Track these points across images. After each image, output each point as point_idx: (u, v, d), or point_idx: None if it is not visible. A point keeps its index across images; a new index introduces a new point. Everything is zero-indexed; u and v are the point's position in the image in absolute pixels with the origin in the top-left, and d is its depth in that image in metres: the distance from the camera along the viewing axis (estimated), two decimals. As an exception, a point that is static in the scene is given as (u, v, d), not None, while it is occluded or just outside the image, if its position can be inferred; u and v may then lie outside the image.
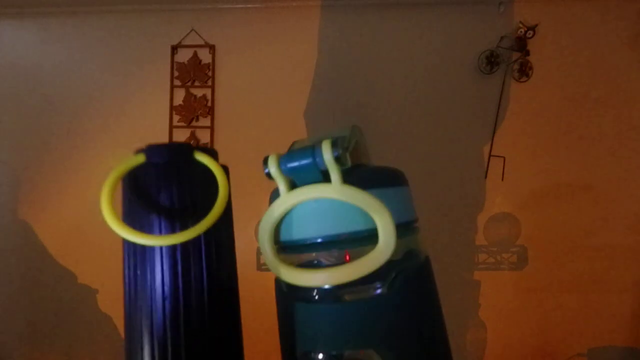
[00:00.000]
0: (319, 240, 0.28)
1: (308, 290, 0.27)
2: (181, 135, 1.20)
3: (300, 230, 0.29)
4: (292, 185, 0.29)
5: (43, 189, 1.23)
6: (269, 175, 0.30)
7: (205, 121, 1.21)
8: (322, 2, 1.19)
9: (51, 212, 1.23)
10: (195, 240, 0.27)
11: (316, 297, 0.28)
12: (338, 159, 0.27)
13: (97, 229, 1.22)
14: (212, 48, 1.20)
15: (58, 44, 1.24)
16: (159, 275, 0.27)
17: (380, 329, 0.26)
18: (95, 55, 1.23)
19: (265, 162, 0.30)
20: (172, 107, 1.21)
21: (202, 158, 0.30)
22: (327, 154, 0.27)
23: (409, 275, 0.27)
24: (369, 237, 0.27)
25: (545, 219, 1.14)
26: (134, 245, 0.27)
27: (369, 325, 0.26)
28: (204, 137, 1.20)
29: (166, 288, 0.27)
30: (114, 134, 1.23)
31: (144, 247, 0.27)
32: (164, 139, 1.20)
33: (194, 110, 1.20)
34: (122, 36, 1.23)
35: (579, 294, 1.13)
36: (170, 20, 1.21)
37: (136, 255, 0.27)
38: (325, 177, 0.28)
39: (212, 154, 0.32)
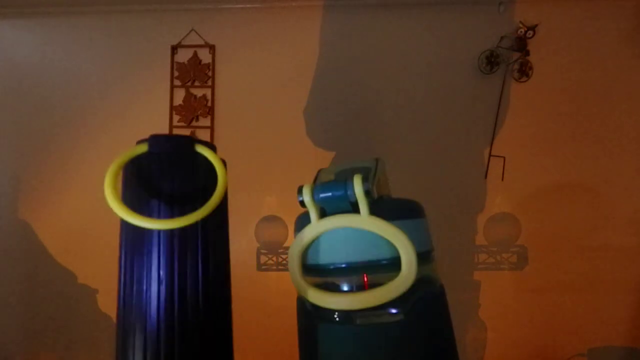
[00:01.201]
0: (344, 265, 0.31)
1: (330, 311, 0.30)
2: (181, 135, 1.20)
3: (328, 255, 0.32)
4: (322, 213, 0.33)
5: (43, 189, 1.23)
6: (302, 203, 0.34)
7: (205, 121, 1.20)
8: (322, 2, 1.19)
9: (51, 212, 1.23)
10: (193, 227, 0.29)
11: (337, 319, 0.30)
12: (367, 193, 0.31)
13: (97, 229, 1.22)
14: (212, 48, 1.20)
15: (58, 44, 1.24)
16: (155, 259, 0.28)
17: (398, 352, 0.28)
18: (95, 55, 1.23)
19: (300, 191, 0.35)
20: (172, 107, 1.21)
21: (202, 150, 0.32)
22: (358, 188, 0.30)
23: (427, 302, 0.30)
24: (390, 265, 0.29)
25: (545, 219, 1.14)
26: (132, 230, 0.28)
27: (387, 349, 0.28)
28: (204, 137, 1.20)
29: (162, 272, 0.28)
30: (114, 133, 1.22)
31: (141, 232, 0.28)
32: (164, 139, 1.20)
33: (194, 110, 1.20)
34: (122, 36, 1.23)
35: (579, 294, 1.13)
36: (170, 20, 1.21)
37: (134, 240, 0.29)
38: (354, 208, 0.31)
39: (212, 147, 0.34)
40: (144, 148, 0.29)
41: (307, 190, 0.33)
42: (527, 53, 1.12)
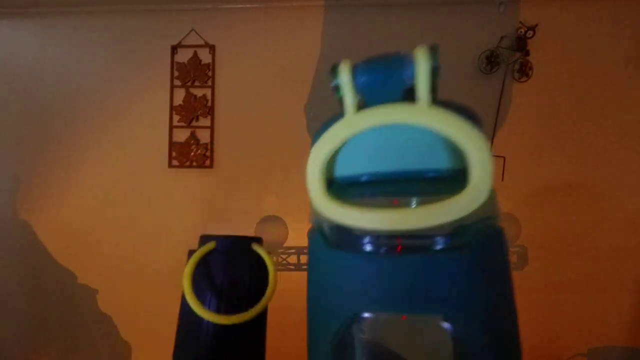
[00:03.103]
0: (384, 176, 0.21)
1: (358, 239, 0.21)
2: (181, 135, 1.20)
3: (364, 164, 0.22)
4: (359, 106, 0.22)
5: (43, 189, 1.23)
6: (336, 88, 0.23)
7: (205, 121, 1.20)
8: (322, 2, 1.19)
9: (51, 212, 1.23)
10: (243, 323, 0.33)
11: (369, 248, 0.21)
12: (435, 71, 0.22)
13: (97, 229, 1.22)
14: (212, 48, 1.20)
15: (58, 44, 1.24)
16: (204, 347, 0.33)
17: (452, 291, 0.20)
18: (95, 56, 1.23)
19: (335, 70, 0.23)
20: (172, 107, 1.21)
21: (257, 248, 0.35)
22: (422, 62, 0.21)
23: (491, 236, 0.22)
24: (448, 181, 0.21)
25: (545, 219, 1.14)
26: (190, 313, 0.33)
27: (440, 286, 0.20)
28: (204, 137, 1.20)
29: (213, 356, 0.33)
30: (114, 134, 1.23)
31: (196, 320, 0.33)
32: (164, 138, 1.20)
33: (194, 110, 1.20)
34: (122, 36, 1.23)
35: (579, 294, 1.13)
36: (170, 20, 1.21)
37: (191, 323, 0.34)
38: (405, 98, 0.22)
39: (259, 242, 0.37)
40: (212, 246, 0.33)
41: (346, 68, 0.23)
42: (527, 53, 1.12)
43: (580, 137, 1.14)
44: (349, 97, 0.23)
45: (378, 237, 0.21)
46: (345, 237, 0.22)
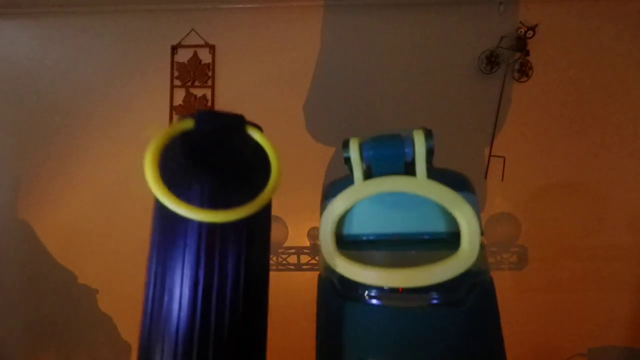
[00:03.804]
0: (387, 236, 0.25)
1: (362, 290, 0.25)
2: (181, 135, 1.20)
3: (370, 225, 0.26)
4: (366, 174, 0.27)
5: (43, 189, 1.23)
6: (347, 160, 0.27)
7: (205, 121, 1.20)
8: (322, 2, 1.19)
9: (51, 212, 1.23)
10: (239, 221, 0.23)
11: (373, 299, 0.24)
12: (430, 152, 0.25)
13: (98, 229, 1.22)
14: (212, 48, 1.20)
15: (58, 44, 1.24)
16: (194, 256, 0.23)
17: (448, 343, 0.23)
18: (95, 56, 1.23)
19: (347, 145, 0.27)
20: (172, 107, 1.21)
21: (254, 133, 0.26)
22: (419, 144, 0.25)
23: (482, 291, 0.25)
24: (442, 242, 0.24)
25: (545, 219, 1.14)
26: (168, 221, 0.24)
27: (437, 338, 0.23)
28: (204, 137, 1.20)
29: (200, 272, 0.23)
30: (114, 134, 1.22)
31: (180, 223, 0.23)
32: (164, 139, 1.20)
33: (194, 110, 1.20)
34: (122, 36, 1.23)
35: (579, 294, 1.13)
36: (170, 20, 1.21)
37: (168, 232, 0.24)
38: (407, 170, 0.26)
39: (260, 129, 0.27)
40: (189, 124, 0.24)
41: (355, 144, 0.27)
42: (527, 53, 1.12)
43: (580, 137, 1.14)
44: (358, 169, 0.27)
45: (382, 289, 0.25)
46: (353, 289, 0.25)
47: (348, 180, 0.27)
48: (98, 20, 1.23)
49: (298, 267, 1.15)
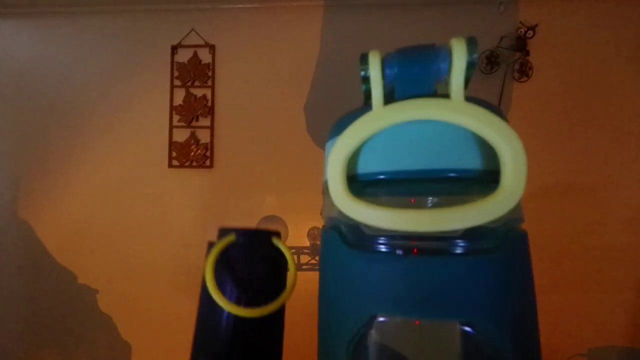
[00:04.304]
0: (414, 174, 0.20)
1: (375, 239, 0.21)
2: (181, 135, 1.20)
3: (387, 161, 0.21)
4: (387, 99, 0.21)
5: (43, 189, 1.23)
6: (365, 79, 0.22)
7: (205, 121, 1.21)
8: (322, 2, 1.19)
9: (51, 212, 1.23)
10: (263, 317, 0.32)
11: (388, 250, 0.21)
12: (471, 66, 0.20)
13: (98, 229, 1.22)
14: (212, 48, 1.20)
15: (58, 44, 1.24)
16: (223, 337, 0.32)
17: (474, 297, 0.19)
18: (95, 56, 1.23)
19: (365, 60, 0.22)
20: (172, 107, 1.21)
21: (276, 242, 0.34)
22: (459, 57, 0.19)
23: (515, 241, 0.22)
24: (478, 181, 0.20)
25: (546, 219, 1.14)
26: (210, 305, 0.33)
27: (462, 291, 0.19)
28: (204, 137, 1.20)
29: (231, 347, 0.32)
30: (114, 133, 1.23)
31: (216, 311, 0.32)
32: (164, 138, 1.20)
33: (194, 110, 1.20)
34: (122, 36, 1.23)
35: (579, 294, 1.13)
36: (170, 20, 1.22)
37: (209, 313, 0.33)
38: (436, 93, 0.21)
39: (278, 235, 0.36)
40: (232, 238, 0.33)
41: (376, 58, 0.21)
42: (527, 53, 1.12)
43: (580, 137, 1.14)
44: (378, 90, 0.21)
45: (395, 237, 0.21)
46: (363, 237, 0.22)
47: (363, 112, 0.22)
48: (98, 20, 1.23)
49: (298, 267, 1.15)
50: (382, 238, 0.21)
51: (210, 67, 1.20)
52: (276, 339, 0.36)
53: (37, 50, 1.24)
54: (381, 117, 0.20)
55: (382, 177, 0.21)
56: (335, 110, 1.19)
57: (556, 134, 1.14)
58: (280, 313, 0.36)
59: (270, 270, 0.35)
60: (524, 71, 1.13)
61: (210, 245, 0.34)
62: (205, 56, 1.21)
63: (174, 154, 1.20)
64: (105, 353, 1.23)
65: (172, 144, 1.20)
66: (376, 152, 0.22)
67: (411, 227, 0.19)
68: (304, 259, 1.16)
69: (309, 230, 1.16)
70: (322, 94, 1.19)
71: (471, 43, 0.20)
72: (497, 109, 0.22)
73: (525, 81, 1.14)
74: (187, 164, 1.20)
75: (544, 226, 1.14)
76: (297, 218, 1.18)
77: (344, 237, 0.23)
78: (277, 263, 0.35)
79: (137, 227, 1.21)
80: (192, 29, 1.21)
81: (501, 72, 1.14)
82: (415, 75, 0.21)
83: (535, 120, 1.15)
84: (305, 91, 1.19)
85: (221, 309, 0.32)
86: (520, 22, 1.13)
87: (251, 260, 0.34)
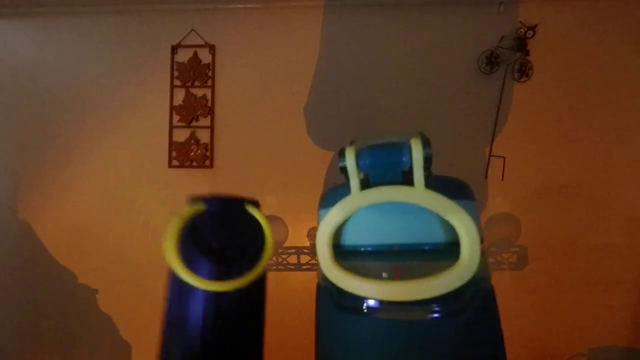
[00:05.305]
0: (385, 247, 0.25)
1: (360, 303, 0.24)
2: (181, 135, 1.20)
3: (368, 235, 0.26)
4: (363, 184, 0.26)
5: (43, 189, 1.23)
6: (343, 169, 0.26)
7: (205, 121, 1.20)
8: (322, 2, 1.19)
9: (51, 212, 1.23)
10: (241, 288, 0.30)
11: (372, 311, 0.24)
12: (427, 160, 0.25)
13: (97, 229, 1.22)
14: (212, 48, 1.20)
15: (58, 44, 1.24)
16: (201, 316, 0.29)
17: (452, 353, 0.23)
18: (95, 56, 1.23)
19: (342, 154, 0.27)
20: (172, 107, 1.21)
21: (252, 210, 0.33)
22: (417, 153, 0.24)
23: (483, 299, 0.25)
24: (441, 252, 0.24)
25: (545, 219, 1.14)
26: (180, 287, 0.30)
27: (438, 349, 0.22)
28: (204, 137, 1.20)
29: (207, 330, 0.29)
30: (114, 133, 1.23)
31: (191, 290, 0.29)
32: (164, 138, 1.20)
33: (194, 110, 1.20)
34: (122, 36, 1.23)
35: (579, 294, 1.13)
36: (170, 20, 1.21)
37: (180, 296, 0.30)
38: (404, 179, 0.25)
39: (256, 204, 0.35)
40: (201, 207, 0.31)
41: (351, 153, 0.26)
42: (527, 53, 1.12)
43: (580, 137, 1.14)
44: (354, 179, 0.26)
45: (381, 302, 0.24)
46: (351, 300, 0.25)
47: (345, 189, 0.26)
48: (98, 20, 1.23)
49: (298, 266, 1.15)
50: (368, 302, 0.25)
51: (210, 67, 1.20)
52: (257, 317, 0.33)
53: (37, 50, 1.24)
54: (357, 200, 0.25)
55: (363, 248, 0.26)
56: (335, 109, 1.19)
57: (556, 134, 1.14)
58: (259, 288, 0.33)
59: (246, 241, 0.32)
60: (524, 71, 1.13)
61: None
62: (205, 56, 1.21)
63: (174, 154, 1.20)
64: (105, 353, 1.23)
65: (172, 144, 1.20)
66: (358, 228, 0.26)
67: (385, 296, 0.23)
68: (304, 258, 1.16)
69: (309, 230, 1.16)
70: (322, 94, 1.19)
71: (425, 142, 0.25)
72: (459, 186, 0.27)
73: (525, 81, 1.14)
74: (187, 164, 1.20)
75: (544, 226, 1.14)
76: (297, 218, 1.18)
77: (333, 296, 0.26)
78: (254, 233, 0.33)
79: (137, 227, 1.21)
80: (192, 29, 1.21)
81: (501, 72, 1.14)
82: (384, 167, 0.26)
83: (536, 120, 1.15)
84: (305, 91, 1.19)
85: (192, 288, 0.28)
86: (520, 22, 1.13)
87: (223, 231, 0.31)
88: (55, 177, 1.23)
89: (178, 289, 0.30)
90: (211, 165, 1.20)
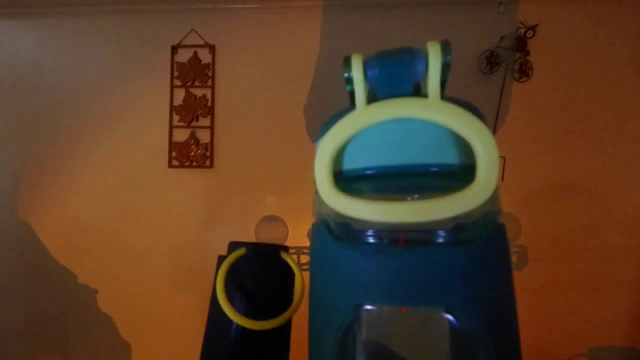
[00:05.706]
0: (392, 170, 0.22)
1: (360, 231, 0.22)
2: (181, 135, 1.20)
3: (371, 157, 0.22)
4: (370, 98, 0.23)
5: (43, 189, 1.23)
6: (348, 80, 0.23)
7: (205, 121, 1.21)
8: (322, 2, 1.19)
9: (51, 212, 1.23)
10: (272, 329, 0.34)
11: (373, 241, 0.22)
12: (446, 68, 0.21)
13: (97, 229, 1.22)
14: (212, 48, 1.20)
15: (58, 44, 1.24)
16: (230, 346, 0.34)
17: (454, 285, 0.20)
18: (96, 56, 1.23)
19: (348, 63, 0.23)
20: (172, 107, 1.21)
21: (286, 257, 0.36)
22: (434, 59, 0.21)
23: (493, 233, 0.22)
24: (456, 176, 0.21)
25: (545, 219, 1.14)
26: (219, 316, 0.34)
27: (442, 280, 0.20)
28: (204, 137, 1.20)
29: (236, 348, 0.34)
30: (114, 133, 1.23)
31: (226, 322, 0.34)
32: (164, 138, 1.20)
33: (194, 110, 1.20)
34: (122, 36, 1.23)
35: (579, 294, 1.13)
36: (170, 20, 1.21)
37: (217, 326, 0.35)
38: (415, 93, 0.22)
39: (286, 250, 0.38)
40: (243, 252, 0.35)
41: (358, 61, 0.23)
42: (527, 53, 1.12)
43: (580, 137, 1.14)
44: (360, 90, 0.23)
45: (382, 230, 0.22)
46: (350, 231, 0.22)
47: (349, 111, 0.23)
48: (98, 20, 1.23)
49: (298, 266, 1.15)
50: (369, 231, 0.22)
51: (210, 67, 1.20)
52: (282, 351, 0.37)
53: (37, 50, 1.24)
54: (364, 115, 0.22)
55: (367, 172, 0.23)
56: (335, 109, 1.19)
57: (556, 134, 1.14)
58: (286, 326, 0.37)
59: (278, 284, 0.36)
60: (524, 71, 1.13)
61: (220, 258, 0.35)
62: (205, 56, 1.21)
63: (174, 154, 1.20)
64: (105, 353, 1.23)
65: (172, 144, 1.20)
66: (361, 149, 0.23)
67: (393, 218, 0.20)
68: (304, 259, 1.15)
69: (309, 230, 1.16)
70: (321, 94, 1.19)
71: (445, 46, 0.21)
72: (473, 107, 0.23)
73: (525, 81, 1.14)
74: (187, 164, 1.20)
75: (544, 226, 1.14)
76: (297, 218, 1.18)
77: (332, 231, 0.23)
78: (285, 277, 0.36)
79: (137, 227, 1.21)
80: (192, 29, 1.21)
81: (501, 72, 1.14)
82: (395, 77, 0.23)
83: (535, 120, 1.15)
84: (305, 91, 1.19)
85: (230, 320, 0.33)
86: (520, 22, 1.13)
87: (260, 274, 0.35)
88: (55, 177, 1.23)
89: (217, 321, 0.35)
90: (211, 165, 1.20)
